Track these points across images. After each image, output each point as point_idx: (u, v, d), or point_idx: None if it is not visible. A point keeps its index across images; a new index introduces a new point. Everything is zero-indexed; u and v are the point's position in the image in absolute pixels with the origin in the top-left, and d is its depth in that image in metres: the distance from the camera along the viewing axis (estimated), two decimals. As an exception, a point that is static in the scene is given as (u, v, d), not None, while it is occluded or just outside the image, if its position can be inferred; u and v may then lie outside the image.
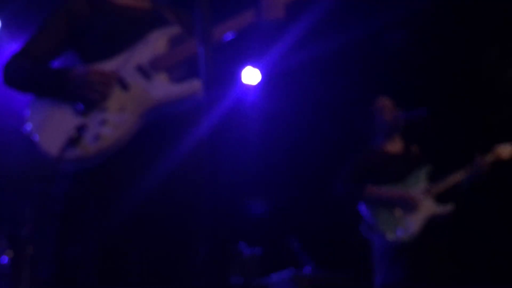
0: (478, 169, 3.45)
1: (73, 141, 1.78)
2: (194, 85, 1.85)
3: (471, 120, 4.80)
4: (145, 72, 1.90)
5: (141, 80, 1.88)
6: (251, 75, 4.93)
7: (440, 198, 3.46)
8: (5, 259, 3.79)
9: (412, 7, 4.54)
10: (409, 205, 3.37)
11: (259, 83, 5.06)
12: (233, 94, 2.12)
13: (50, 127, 1.84)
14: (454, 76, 4.88)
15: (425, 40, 4.80)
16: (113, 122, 1.82)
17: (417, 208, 3.37)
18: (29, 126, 1.87)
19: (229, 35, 1.95)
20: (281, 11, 1.94)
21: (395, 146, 3.65)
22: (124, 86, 1.88)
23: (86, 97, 1.84)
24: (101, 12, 2.02)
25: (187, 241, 1.87)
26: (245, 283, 4.41)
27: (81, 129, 1.80)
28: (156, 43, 1.94)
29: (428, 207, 3.41)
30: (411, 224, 3.33)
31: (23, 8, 4.16)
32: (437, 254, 3.34)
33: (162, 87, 1.88)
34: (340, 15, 4.38)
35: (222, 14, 1.95)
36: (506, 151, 3.56)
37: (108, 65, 1.91)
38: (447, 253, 3.39)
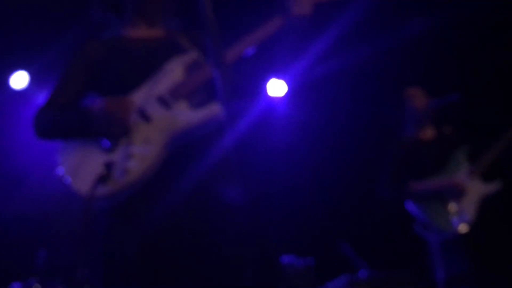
0: (508, 145, 3.33)
1: (102, 178, 1.82)
2: (214, 109, 1.89)
3: (503, 96, 4.67)
4: (165, 102, 1.93)
5: (163, 110, 1.92)
6: (277, 87, 4.94)
7: (486, 176, 3.36)
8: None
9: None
10: (457, 192, 3.28)
11: (286, 95, 5.06)
12: (259, 107, 2.13)
13: (80, 168, 1.89)
14: (480, 59, 4.78)
15: (447, 25, 4.73)
16: (139, 155, 1.86)
17: (465, 192, 3.28)
18: (61, 171, 1.92)
19: (254, 48, 1.97)
20: (309, 8, 1.96)
21: (427, 132, 3.58)
22: (146, 118, 1.91)
23: (109, 129, 1.88)
24: (116, 50, 2.08)
25: (232, 263, 1.86)
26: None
27: (109, 165, 1.84)
28: (173, 72, 1.98)
29: (477, 189, 3.32)
30: (465, 211, 3.24)
31: (51, 62, 4.29)
32: (496, 238, 3.24)
33: (184, 115, 1.91)
34: (363, 22, 4.35)
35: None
36: None
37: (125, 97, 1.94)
38: (505, 236, 3.28)
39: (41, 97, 4.52)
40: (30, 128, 2.06)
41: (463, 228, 3.20)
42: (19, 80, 4.49)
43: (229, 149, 1.43)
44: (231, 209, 1.88)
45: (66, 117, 2.00)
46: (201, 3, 1.49)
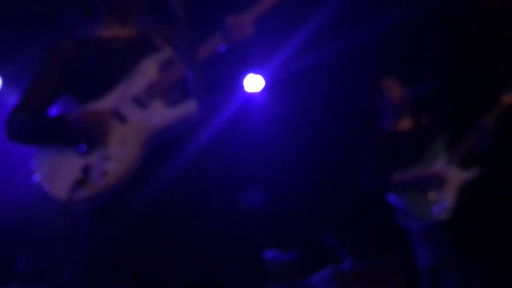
0: (485, 130, 3.37)
1: (80, 182, 1.81)
2: (189, 106, 1.88)
3: (478, 78, 4.73)
4: (140, 102, 1.92)
5: (138, 110, 1.91)
6: (254, 82, 4.93)
7: (464, 164, 3.40)
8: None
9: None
10: (438, 181, 3.32)
11: (263, 89, 5.06)
12: (236, 102, 2.12)
13: (57, 174, 1.87)
14: (454, 48, 4.84)
15: (421, 15, 4.77)
16: (117, 157, 1.84)
17: (445, 181, 3.32)
18: (37, 177, 1.90)
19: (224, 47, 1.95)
20: (249, 29, 1.94)
21: (405, 123, 3.61)
22: (122, 119, 1.90)
23: (86, 139, 1.86)
24: (89, 50, 2.05)
25: (215, 258, 1.85)
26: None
27: (86, 169, 1.82)
28: (147, 71, 1.96)
29: (456, 177, 3.36)
30: (445, 199, 3.27)
31: (24, 65, 4.24)
32: (476, 224, 3.28)
33: (159, 114, 1.90)
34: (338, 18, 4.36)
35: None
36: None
37: (103, 103, 1.93)
38: (485, 221, 3.32)
39: (15, 100, 4.45)
40: (2, 131, 2.02)
41: (443, 215, 3.24)
42: (-7, 83, 4.42)
43: (206, 145, 1.42)
44: (212, 203, 1.86)
45: (40, 121, 1.97)
46: (172, 0, 1.48)
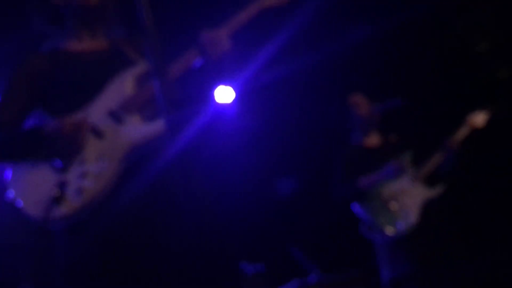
0: (450, 150, 3.45)
1: (56, 200, 1.75)
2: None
3: (444, 98, 4.84)
4: (117, 116, 1.87)
5: (115, 125, 1.86)
6: (224, 94, 4.93)
7: (430, 181, 3.46)
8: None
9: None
10: (398, 170, 3.34)
11: (234, 101, 5.07)
12: (206, 114, 2.09)
13: (32, 190, 1.81)
14: (420, 64, 4.95)
15: (387, 32, 4.86)
16: (93, 173, 1.79)
17: (406, 170, 3.35)
18: (11, 193, 1.84)
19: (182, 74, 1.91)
20: (226, 44, 1.89)
21: (373, 139, 3.66)
22: (98, 134, 1.85)
23: (63, 151, 1.81)
24: (60, 64, 2.00)
25: (185, 271, 1.82)
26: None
27: (62, 186, 1.77)
28: (123, 86, 1.92)
29: (420, 193, 3.41)
30: (409, 214, 3.32)
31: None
32: (438, 239, 3.34)
33: (137, 129, 1.86)
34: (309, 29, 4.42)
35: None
36: (479, 119, 3.56)
37: (79, 116, 1.88)
38: (448, 236, 3.39)
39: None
40: None
41: (406, 230, 3.29)
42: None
43: (174, 157, 1.41)
44: (179, 217, 1.84)
45: (13, 136, 1.92)
46: (140, 11, 1.46)
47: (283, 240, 4.99)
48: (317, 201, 4.00)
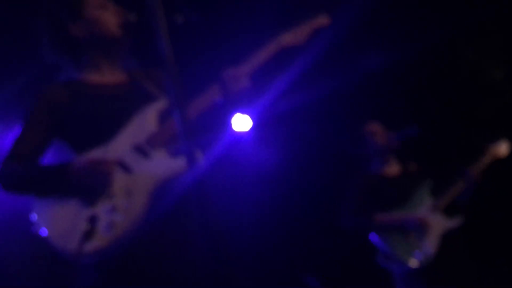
0: (471, 180, 3.42)
1: (88, 234, 1.75)
2: (196, 155, 1.84)
3: (463, 126, 4.81)
4: (143, 151, 1.88)
5: (141, 160, 1.87)
6: (241, 122, 4.97)
7: (448, 211, 3.43)
8: None
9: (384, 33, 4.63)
10: (420, 227, 3.33)
11: (251, 130, 5.10)
12: (223, 142, 2.11)
13: (61, 224, 1.80)
14: (435, 88, 4.93)
15: (405, 60, 4.87)
16: (123, 208, 1.79)
17: (428, 227, 3.33)
18: (36, 223, 1.84)
19: (200, 115, 1.93)
20: (246, 82, 1.94)
21: (392, 168, 3.64)
22: (126, 169, 1.85)
23: (91, 188, 1.81)
24: (80, 95, 2.00)
25: None
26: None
27: (92, 220, 1.77)
28: (146, 121, 1.93)
29: (439, 224, 3.38)
30: (427, 245, 3.29)
31: (7, 100, 4.21)
32: (456, 271, 3.29)
33: (164, 163, 1.86)
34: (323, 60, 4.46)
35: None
36: (502, 149, 3.53)
37: (104, 152, 1.88)
38: (466, 265, 3.34)
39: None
40: None
41: (424, 261, 3.25)
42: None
43: (191, 185, 1.41)
44: (194, 245, 1.84)
45: (39, 171, 1.93)
46: (160, 42, 1.45)
47: (299, 268, 4.95)
48: (331, 231, 3.96)
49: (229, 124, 2.09)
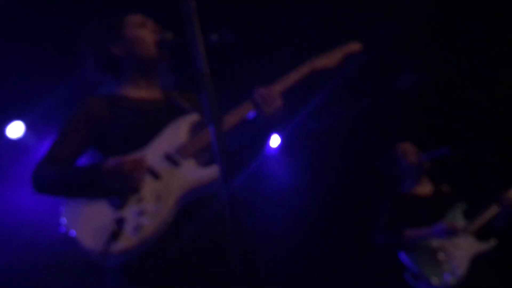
0: (505, 205, 3.37)
1: (115, 235, 1.80)
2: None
3: (495, 150, 4.73)
4: (173, 160, 1.93)
5: (171, 167, 1.92)
6: (270, 140, 4.99)
7: (481, 234, 3.37)
8: None
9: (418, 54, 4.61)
10: (449, 232, 3.27)
11: (279, 147, 5.11)
12: (259, 160, 2.13)
13: (88, 223, 1.85)
14: (467, 110, 4.87)
15: (434, 79, 4.84)
16: (151, 212, 1.84)
17: (456, 231, 3.27)
18: (65, 224, 1.89)
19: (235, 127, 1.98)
20: (279, 101, 1.96)
21: (424, 188, 3.62)
22: (155, 175, 1.91)
23: (121, 188, 1.86)
24: (119, 108, 2.08)
25: None
26: None
27: (120, 222, 1.81)
28: (178, 132, 2.00)
29: (470, 246, 3.33)
30: (457, 266, 3.24)
31: (46, 112, 4.33)
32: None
33: (193, 172, 1.91)
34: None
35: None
36: None
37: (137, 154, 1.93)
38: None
39: (37, 146, 4.53)
40: (27, 179, 2.01)
41: (454, 282, 3.19)
42: (15, 129, 4.53)
43: (226, 201, 1.42)
44: (227, 264, 1.87)
45: (72, 173, 1.98)
46: (198, 60, 1.49)
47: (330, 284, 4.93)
48: (364, 248, 3.92)
49: (267, 144, 2.11)
